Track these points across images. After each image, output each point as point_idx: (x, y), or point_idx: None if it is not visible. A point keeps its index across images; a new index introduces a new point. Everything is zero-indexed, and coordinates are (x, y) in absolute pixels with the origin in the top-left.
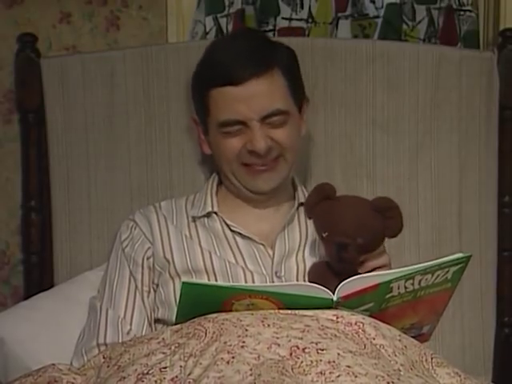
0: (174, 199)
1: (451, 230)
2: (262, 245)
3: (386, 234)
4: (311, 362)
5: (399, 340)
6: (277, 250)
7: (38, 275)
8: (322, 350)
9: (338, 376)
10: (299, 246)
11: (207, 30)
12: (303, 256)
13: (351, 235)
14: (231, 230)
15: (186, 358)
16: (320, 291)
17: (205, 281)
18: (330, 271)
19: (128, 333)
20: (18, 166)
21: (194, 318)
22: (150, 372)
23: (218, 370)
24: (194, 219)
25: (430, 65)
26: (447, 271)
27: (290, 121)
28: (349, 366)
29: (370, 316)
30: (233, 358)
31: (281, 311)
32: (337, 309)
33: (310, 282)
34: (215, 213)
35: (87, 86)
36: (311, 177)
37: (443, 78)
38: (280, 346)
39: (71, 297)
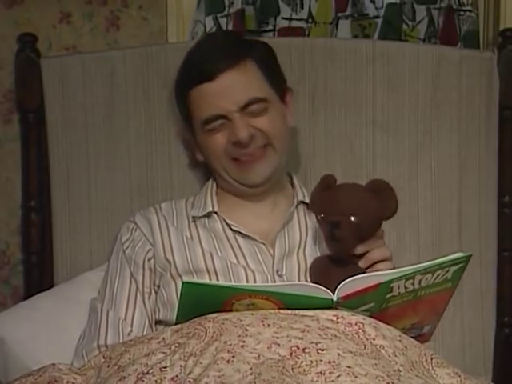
0: (174, 201)
1: (451, 230)
2: (263, 244)
3: (381, 215)
4: (311, 361)
5: (399, 340)
6: (277, 248)
7: (38, 275)
8: (322, 350)
9: (338, 376)
10: (299, 244)
11: (207, 30)
12: (304, 254)
13: (344, 213)
14: (232, 230)
15: (186, 358)
16: (320, 291)
17: (205, 280)
18: (331, 265)
19: (129, 334)
20: (18, 166)
21: (195, 317)
22: (150, 372)
23: (218, 369)
24: (195, 220)
25: (429, 65)
26: (447, 271)
27: (272, 108)
28: (349, 367)
29: (371, 316)
30: (233, 357)
31: (281, 311)
32: (337, 309)
33: (311, 275)
34: (215, 213)
35: (87, 86)
36: (311, 177)
37: (443, 78)
38: (280, 345)
39: (71, 297)
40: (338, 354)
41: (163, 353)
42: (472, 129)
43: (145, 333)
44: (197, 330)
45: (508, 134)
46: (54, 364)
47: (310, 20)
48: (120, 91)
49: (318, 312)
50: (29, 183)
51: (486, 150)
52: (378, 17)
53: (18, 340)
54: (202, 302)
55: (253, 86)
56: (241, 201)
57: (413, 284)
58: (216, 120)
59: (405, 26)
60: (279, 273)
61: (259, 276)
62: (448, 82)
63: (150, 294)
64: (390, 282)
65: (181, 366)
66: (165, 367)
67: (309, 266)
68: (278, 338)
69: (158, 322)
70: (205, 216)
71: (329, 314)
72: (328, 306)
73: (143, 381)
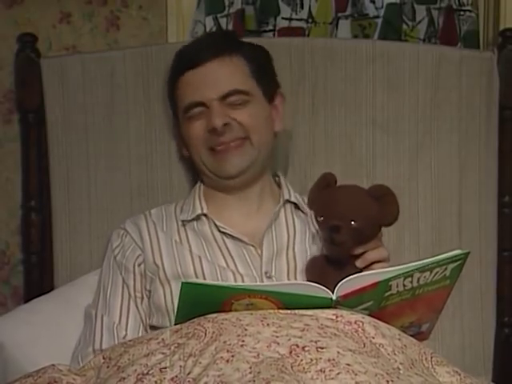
0: (164, 206)
1: (451, 230)
2: (253, 246)
3: (382, 221)
4: (311, 360)
5: (399, 339)
6: (265, 249)
7: (38, 275)
8: (322, 348)
9: (338, 374)
10: (288, 243)
11: (207, 30)
12: (293, 253)
13: (344, 218)
14: (220, 232)
15: (185, 358)
16: (319, 290)
17: (204, 281)
18: (328, 265)
19: (124, 338)
20: (18, 166)
21: (194, 318)
22: (150, 372)
23: (217, 368)
24: (184, 224)
25: (429, 65)
26: (445, 268)
27: (253, 104)
28: (348, 364)
29: (370, 315)
30: (232, 356)
31: (280, 311)
32: (336, 308)
33: (307, 275)
34: (205, 215)
35: (87, 86)
36: (311, 177)
37: (443, 78)
38: (280, 344)
39: (71, 300)
40: (338, 352)
41: (163, 353)
42: (472, 129)
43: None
44: (196, 331)
45: (508, 133)
46: (53, 365)
47: (310, 20)
48: (120, 91)
49: (318, 311)
50: (29, 183)
51: (485, 150)
52: (378, 17)
53: (17, 344)
54: (201, 302)
55: (236, 78)
56: (227, 198)
57: (411, 282)
58: (195, 107)
59: (405, 26)
60: (268, 274)
61: (248, 280)
62: (448, 82)
63: (142, 298)
64: (389, 280)
65: (180, 366)
66: (164, 368)
67: (298, 266)
68: (277, 337)
69: (152, 328)
70: (194, 219)
71: (328, 313)
72: (327, 305)
73: (143, 381)
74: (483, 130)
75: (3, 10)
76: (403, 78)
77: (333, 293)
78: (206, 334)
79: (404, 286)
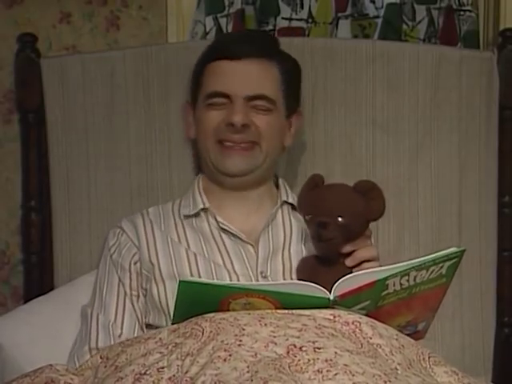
0: (161, 205)
1: (451, 229)
2: (250, 244)
3: (369, 216)
4: (308, 360)
5: (396, 339)
6: (261, 248)
7: (38, 275)
8: (319, 348)
9: (335, 374)
10: (284, 244)
11: (207, 30)
12: (289, 253)
13: (331, 214)
14: (219, 229)
15: (183, 358)
16: (317, 290)
17: (201, 279)
18: (318, 264)
19: (119, 336)
20: (18, 166)
21: (192, 317)
22: (148, 372)
23: (214, 367)
24: (182, 219)
25: (429, 65)
26: (441, 266)
27: (274, 114)
28: (346, 365)
29: (367, 315)
30: (230, 355)
31: (278, 311)
32: (334, 308)
33: (298, 275)
34: (206, 209)
35: (87, 86)
36: None
37: (443, 78)
38: (277, 344)
39: (71, 300)
40: (335, 353)
41: (160, 353)
42: (472, 129)
43: (135, 335)
44: (194, 330)
45: (508, 134)
46: (50, 365)
47: (310, 20)
48: (120, 91)
49: (315, 311)
50: (29, 183)
51: (485, 150)
52: (377, 17)
53: (16, 344)
54: (199, 300)
55: (267, 84)
56: (228, 196)
57: (408, 281)
58: (220, 97)
59: (405, 26)
60: (263, 274)
61: (243, 279)
62: (448, 81)
63: (138, 297)
64: (386, 279)
65: (178, 365)
66: (162, 367)
67: (294, 265)
68: (274, 337)
69: (148, 326)
70: (193, 215)
71: (326, 313)
72: (325, 305)
73: (140, 381)
74: (483, 130)
75: (3, 9)
76: (403, 78)
77: (330, 292)
78: (203, 334)
79: (401, 284)
